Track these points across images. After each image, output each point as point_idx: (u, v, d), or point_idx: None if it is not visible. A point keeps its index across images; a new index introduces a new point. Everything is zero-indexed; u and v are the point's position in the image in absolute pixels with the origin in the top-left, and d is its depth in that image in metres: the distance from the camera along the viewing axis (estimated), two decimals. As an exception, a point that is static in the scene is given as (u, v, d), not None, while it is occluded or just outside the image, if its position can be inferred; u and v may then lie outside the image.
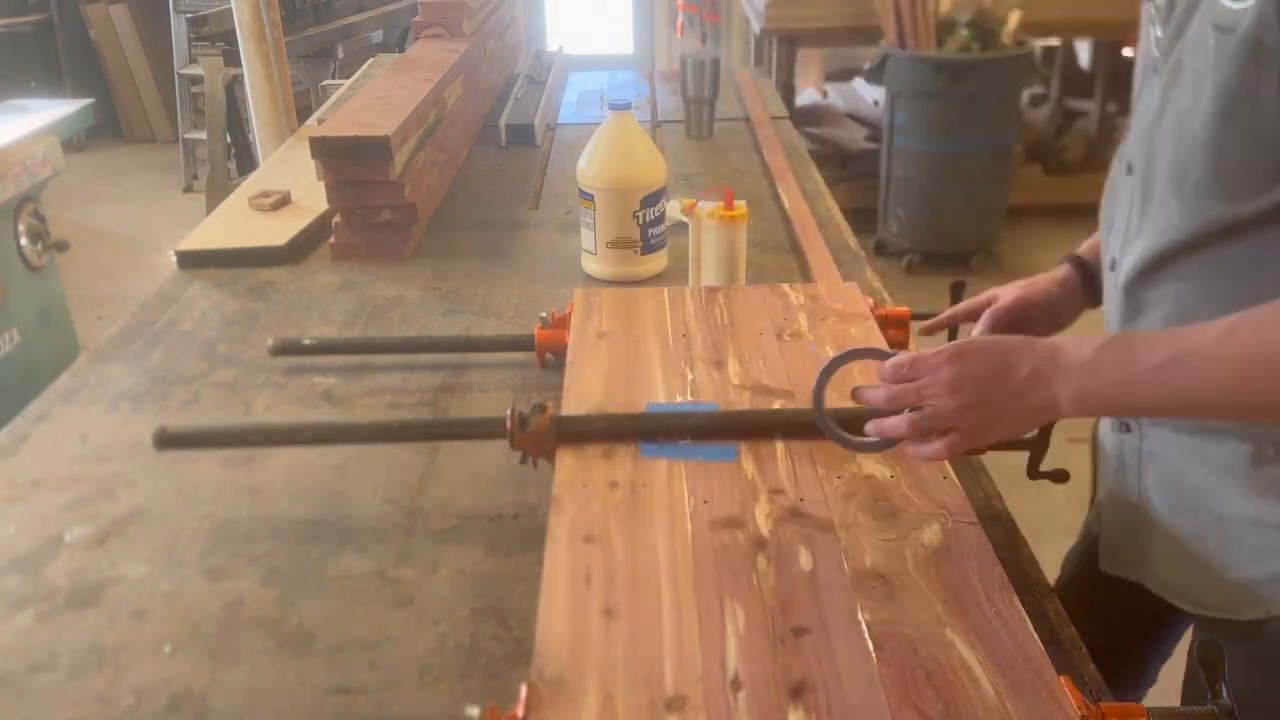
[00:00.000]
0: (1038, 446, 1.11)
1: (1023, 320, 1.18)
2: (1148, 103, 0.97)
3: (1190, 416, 0.93)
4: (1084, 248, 1.20)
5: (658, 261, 1.64)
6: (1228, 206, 0.87)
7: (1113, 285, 1.04)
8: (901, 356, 0.88)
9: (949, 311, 1.23)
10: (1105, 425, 1.15)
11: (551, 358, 1.34)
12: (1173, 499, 1.03)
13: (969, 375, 0.84)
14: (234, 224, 1.87)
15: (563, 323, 1.32)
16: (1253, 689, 0.95)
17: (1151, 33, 0.98)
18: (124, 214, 5.20)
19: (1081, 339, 0.83)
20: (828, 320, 1.28)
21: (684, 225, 1.59)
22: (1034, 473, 1.10)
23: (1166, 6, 0.94)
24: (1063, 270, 1.19)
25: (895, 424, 0.88)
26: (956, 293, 1.37)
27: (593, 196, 1.57)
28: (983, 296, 1.21)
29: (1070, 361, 0.82)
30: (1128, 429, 1.08)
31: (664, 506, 0.92)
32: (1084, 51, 5.02)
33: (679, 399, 1.11)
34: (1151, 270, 0.96)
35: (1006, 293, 1.19)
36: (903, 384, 0.87)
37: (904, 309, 1.35)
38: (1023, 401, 0.83)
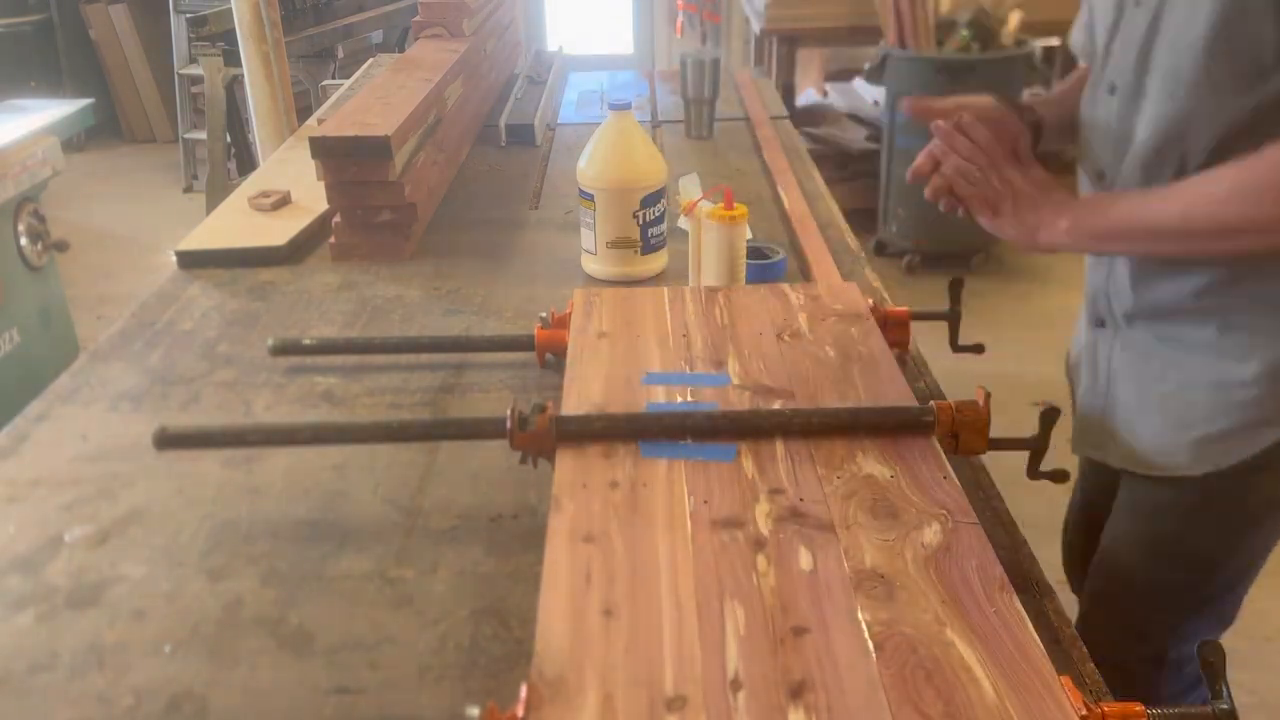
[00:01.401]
0: (1038, 446, 1.11)
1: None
2: (1130, 32, 1.15)
3: (1153, 244, 1.11)
4: (1033, 101, 1.39)
5: (658, 261, 1.64)
6: (1215, 98, 1.06)
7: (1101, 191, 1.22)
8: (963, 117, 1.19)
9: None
10: (1080, 332, 1.37)
11: (551, 358, 1.34)
12: (1140, 376, 1.23)
13: (1019, 179, 1.16)
14: (234, 224, 1.87)
15: (563, 323, 1.32)
16: (1182, 535, 1.25)
17: None
18: (124, 214, 5.20)
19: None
20: (828, 320, 1.28)
21: (684, 223, 1.59)
22: (1034, 473, 1.10)
23: None
24: (1001, 107, 1.30)
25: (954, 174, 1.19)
26: (955, 290, 1.37)
27: (593, 196, 1.57)
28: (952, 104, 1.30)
29: (1065, 201, 1.13)
30: (1102, 324, 1.28)
31: (664, 506, 0.92)
32: (1084, 51, 5.01)
33: (679, 399, 1.11)
34: (1153, 164, 1.14)
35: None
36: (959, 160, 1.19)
37: (904, 309, 1.35)
38: (1042, 213, 1.13)
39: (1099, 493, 1.42)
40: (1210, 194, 1.03)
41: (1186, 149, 1.10)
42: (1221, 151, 1.07)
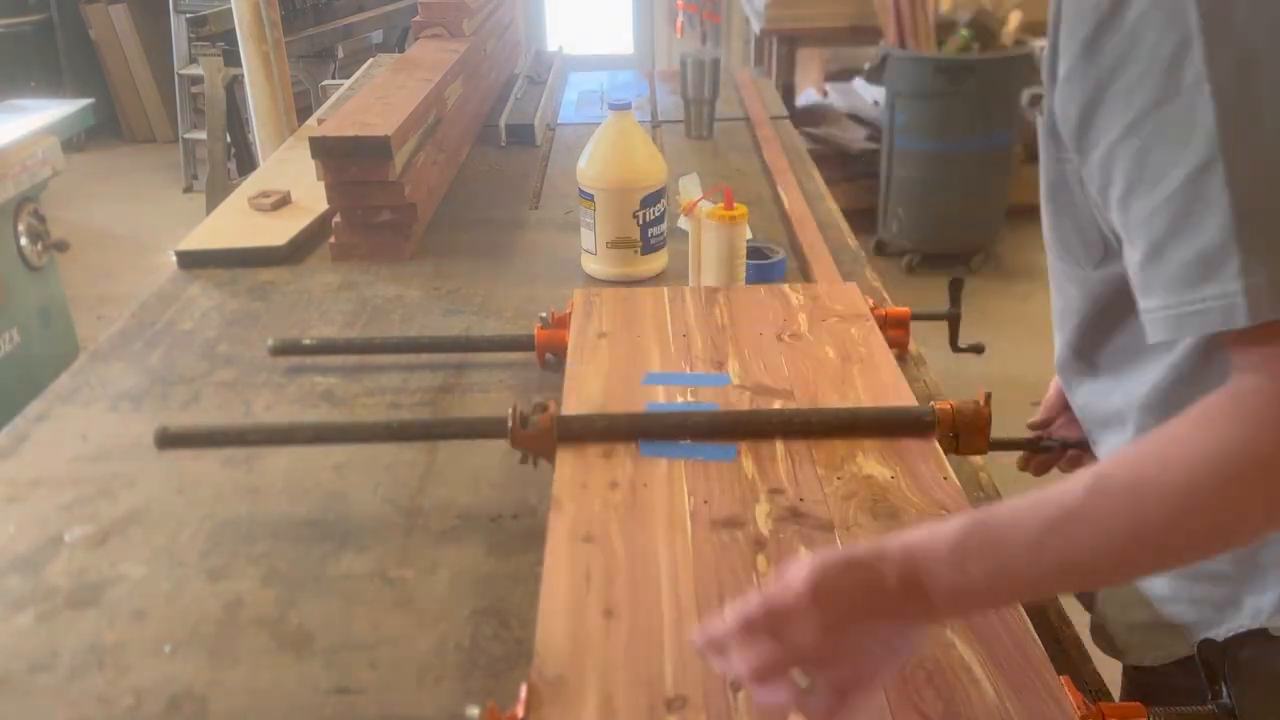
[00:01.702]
0: (1038, 446, 1.11)
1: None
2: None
3: (1082, 588, 0.85)
4: None
5: (658, 261, 1.64)
6: (1080, 271, 0.87)
7: (1058, 334, 0.99)
8: (749, 607, 0.66)
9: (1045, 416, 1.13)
10: None
11: (551, 358, 1.34)
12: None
13: (840, 608, 0.65)
14: (234, 224, 1.87)
15: (563, 323, 1.32)
16: None
17: None
18: (124, 214, 5.20)
19: (931, 530, 0.67)
20: (828, 320, 1.28)
21: (685, 221, 1.59)
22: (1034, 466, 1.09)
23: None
24: None
25: (776, 699, 0.67)
26: (955, 290, 1.38)
27: (593, 196, 1.57)
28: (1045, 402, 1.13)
29: (930, 560, 0.65)
30: None
31: (664, 506, 0.92)
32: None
33: (679, 399, 1.11)
34: (1076, 338, 0.93)
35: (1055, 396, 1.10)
36: (762, 642, 0.65)
37: (905, 309, 1.35)
38: (902, 619, 0.66)
39: None
40: (1133, 510, 0.64)
41: (1083, 319, 0.91)
42: (1102, 327, 0.89)
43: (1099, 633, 0.98)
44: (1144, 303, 0.69)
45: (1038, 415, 1.14)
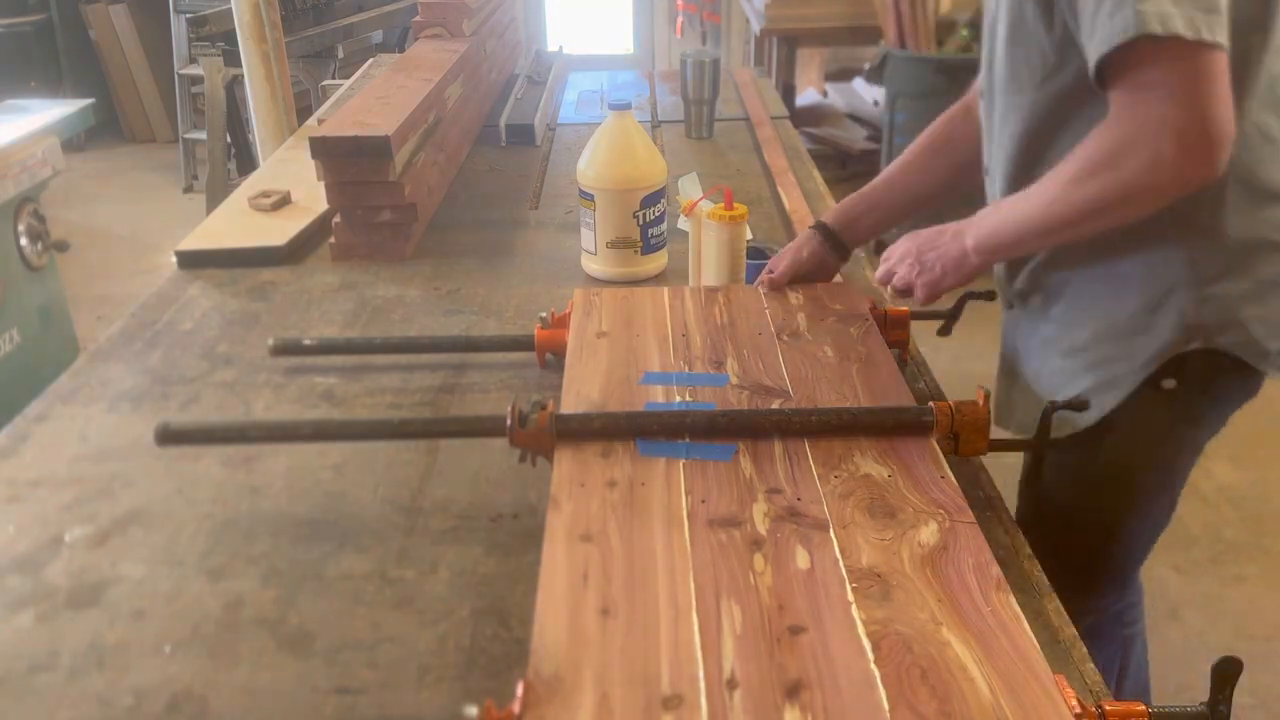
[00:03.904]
0: (1038, 446, 1.12)
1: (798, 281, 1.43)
2: (989, 42, 1.25)
3: (1038, 239, 1.17)
4: (830, 215, 1.46)
5: (658, 261, 1.65)
6: (1022, 97, 1.18)
7: (990, 186, 1.32)
8: (886, 254, 1.31)
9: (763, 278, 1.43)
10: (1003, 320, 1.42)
11: (552, 358, 1.34)
12: (1025, 353, 1.32)
13: (914, 245, 1.27)
14: (234, 224, 1.87)
15: (562, 322, 1.32)
16: (1052, 500, 1.32)
17: None
18: (124, 214, 5.20)
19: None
20: (826, 320, 1.28)
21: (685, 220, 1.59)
22: (1036, 477, 1.11)
23: None
24: (813, 240, 1.44)
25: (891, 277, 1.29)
26: (960, 302, 1.39)
27: (593, 196, 1.57)
28: (771, 265, 1.45)
29: (967, 223, 1.21)
30: (1010, 306, 1.36)
31: (662, 505, 0.92)
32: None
33: (678, 398, 1.11)
34: (1006, 159, 1.24)
35: (780, 265, 1.43)
36: (888, 265, 1.30)
37: (905, 309, 1.35)
38: (948, 251, 1.22)
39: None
40: (1056, 187, 1.08)
41: (1021, 143, 1.21)
42: (1040, 143, 1.18)
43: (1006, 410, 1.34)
44: (1089, 43, 1.02)
45: (764, 277, 1.43)
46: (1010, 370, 1.36)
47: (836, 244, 1.44)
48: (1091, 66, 1.02)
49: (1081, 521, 1.32)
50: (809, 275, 1.43)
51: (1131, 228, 1.08)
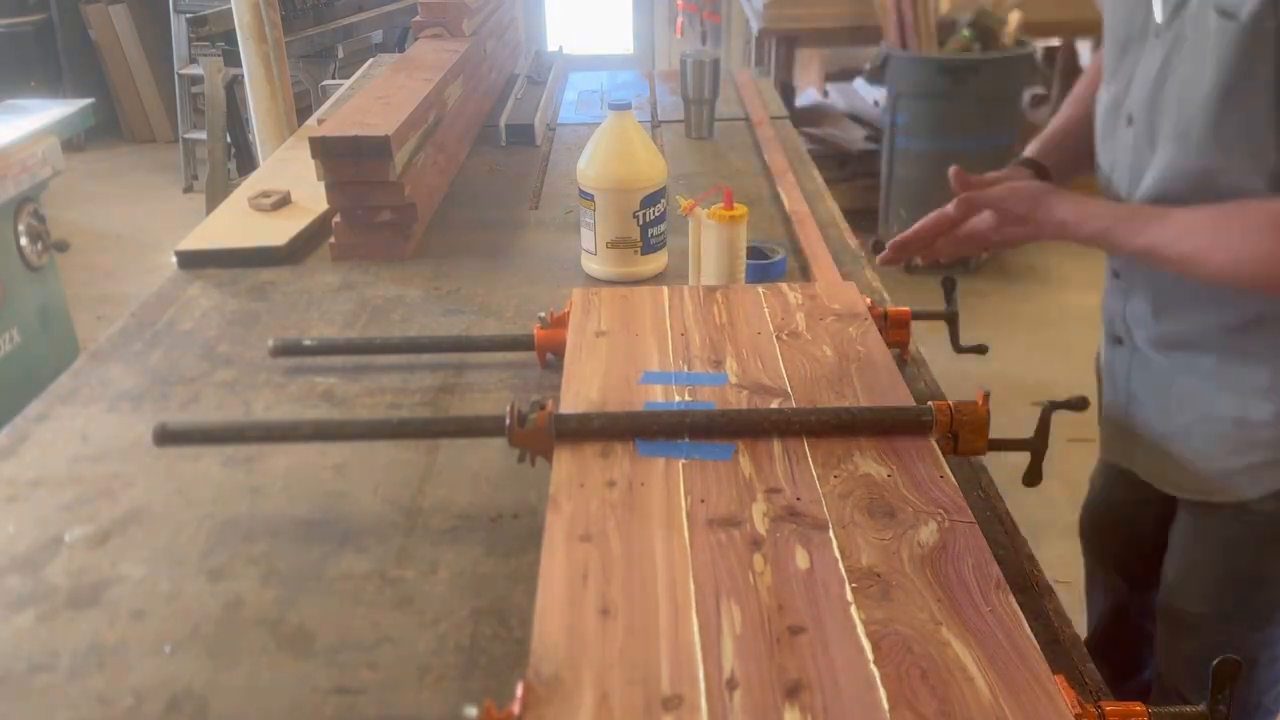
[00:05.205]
0: (1038, 447, 1.12)
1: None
2: (1149, 64, 1.11)
3: (1141, 253, 1.11)
4: (1034, 149, 1.38)
5: (658, 261, 1.65)
6: (1225, 160, 1.04)
7: (1135, 142, 1.17)
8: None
9: (916, 227, 1.27)
10: (1103, 345, 1.36)
11: (552, 357, 1.34)
12: (1160, 402, 1.23)
13: (1013, 191, 1.17)
14: (234, 224, 1.87)
15: (562, 322, 1.32)
16: (1229, 563, 1.23)
17: (1153, 0, 1.11)
18: (124, 214, 5.20)
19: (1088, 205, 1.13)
20: (825, 320, 1.28)
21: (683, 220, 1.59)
22: (1033, 479, 1.11)
23: None
24: (1022, 172, 1.35)
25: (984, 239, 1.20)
26: (949, 289, 1.38)
27: (593, 196, 1.57)
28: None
29: (1070, 195, 1.14)
30: (1119, 342, 1.28)
31: (661, 505, 0.92)
32: (1085, 52, 5.02)
33: (677, 398, 1.11)
34: (1172, 200, 1.11)
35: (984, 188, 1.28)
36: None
37: (905, 309, 1.35)
38: (1042, 209, 1.13)
39: (1123, 491, 1.42)
40: (1181, 231, 1.04)
41: (1199, 200, 1.08)
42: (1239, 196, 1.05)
43: (1179, 473, 1.23)
44: None
45: (905, 233, 1.27)
46: (1122, 407, 1.29)
47: (1048, 178, 1.33)
48: None
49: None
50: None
51: None
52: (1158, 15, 1.09)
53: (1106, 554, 1.59)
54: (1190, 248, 1.04)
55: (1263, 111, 0.98)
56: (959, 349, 1.37)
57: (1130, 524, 1.45)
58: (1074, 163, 1.36)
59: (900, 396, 1.11)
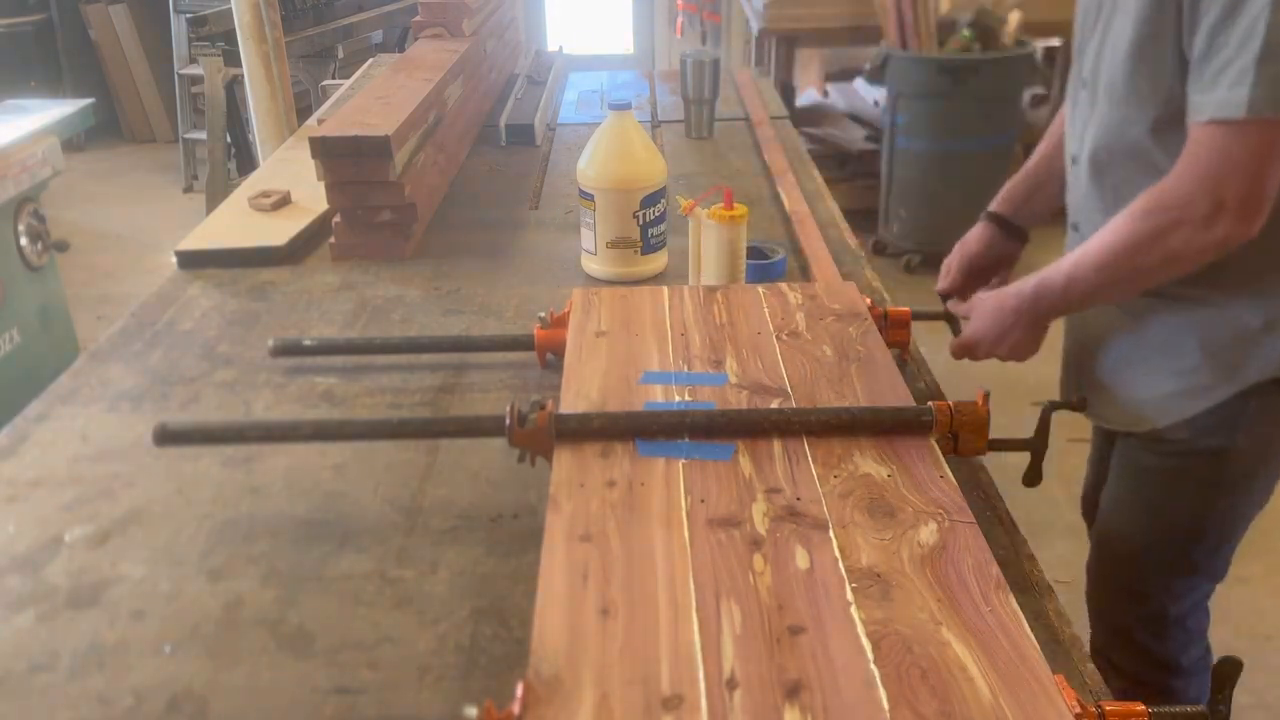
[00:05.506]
0: (1037, 447, 1.12)
1: (977, 274, 1.51)
2: (1100, 33, 1.25)
3: (1085, 302, 1.25)
4: (997, 203, 1.52)
5: (658, 261, 1.65)
6: (1139, 110, 1.18)
7: (1076, 175, 1.33)
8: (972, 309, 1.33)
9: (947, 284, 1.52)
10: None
11: (552, 357, 1.34)
12: (1105, 341, 1.34)
13: (987, 320, 1.29)
14: (234, 224, 1.87)
15: (562, 322, 1.32)
16: (1166, 498, 1.35)
17: None
18: (124, 214, 5.20)
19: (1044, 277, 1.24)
20: (825, 320, 1.28)
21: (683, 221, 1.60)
22: (1033, 478, 1.11)
23: None
24: (987, 231, 1.51)
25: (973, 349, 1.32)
26: (945, 297, 1.40)
27: (593, 196, 1.57)
28: (945, 268, 1.53)
29: (1032, 280, 1.25)
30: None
31: (661, 505, 0.92)
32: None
33: (677, 398, 1.11)
34: (1102, 158, 1.26)
35: (951, 265, 1.52)
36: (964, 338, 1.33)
37: (906, 309, 1.35)
38: (1010, 307, 1.26)
39: (1108, 449, 1.50)
40: (1111, 248, 1.16)
41: (1123, 151, 1.22)
42: (1143, 157, 1.20)
43: (1107, 403, 1.35)
44: (1196, 95, 1.09)
45: (941, 282, 1.52)
46: (1092, 348, 1.38)
47: (1012, 230, 1.50)
48: (1197, 117, 1.09)
49: (1192, 522, 1.36)
50: (985, 268, 1.50)
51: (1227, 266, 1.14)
52: None
53: None
54: (1109, 259, 1.16)
55: (1167, 64, 1.13)
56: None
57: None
58: (1039, 214, 1.51)
59: (900, 396, 1.11)
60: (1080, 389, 1.40)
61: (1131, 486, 1.40)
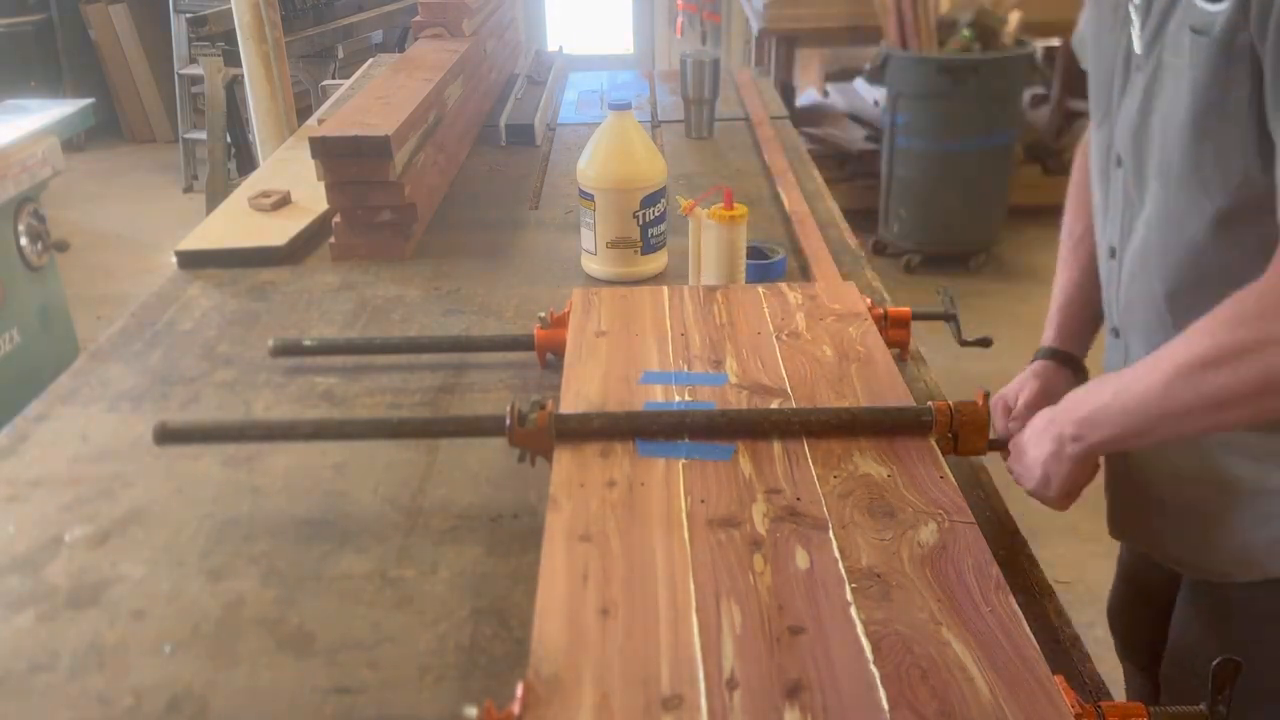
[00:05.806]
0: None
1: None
2: (1132, 99, 1.02)
3: (1148, 430, 0.96)
4: (1060, 339, 1.27)
5: (658, 261, 1.65)
6: (1204, 198, 0.94)
7: (1113, 271, 1.11)
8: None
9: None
10: None
11: (552, 357, 1.34)
12: (1176, 470, 1.09)
13: (1029, 439, 1.06)
14: (234, 224, 1.87)
15: (562, 322, 1.32)
16: (1250, 644, 1.03)
17: (1131, 31, 1.02)
18: (124, 214, 5.20)
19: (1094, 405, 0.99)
20: (825, 320, 1.28)
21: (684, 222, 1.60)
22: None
23: (1144, 5, 0.99)
24: (1059, 374, 1.25)
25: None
26: (947, 300, 1.39)
27: (593, 196, 1.57)
28: (1003, 407, 1.26)
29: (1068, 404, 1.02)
30: None
31: (661, 505, 0.92)
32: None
33: (677, 398, 1.11)
34: (1152, 257, 1.02)
35: (1018, 396, 1.25)
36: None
37: (906, 309, 1.35)
38: (1055, 442, 1.01)
39: (1146, 571, 1.28)
40: (1186, 362, 0.88)
41: (1181, 247, 0.99)
42: (1208, 255, 0.97)
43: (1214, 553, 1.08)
44: None
45: (1001, 424, 1.23)
46: (1138, 481, 1.15)
47: (1077, 366, 1.26)
48: None
49: None
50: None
51: None
52: (1137, 46, 1.01)
53: (1136, 651, 1.39)
54: (1209, 380, 0.87)
55: (1238, 140, 0.89)
56: (963, 343, 1.37)
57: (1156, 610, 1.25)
58: (1092, 333, 1.27)
59: (900, 396, 1.11)
60: (1144, 526, 1.17)
61: (1212, 628, 1.12)
